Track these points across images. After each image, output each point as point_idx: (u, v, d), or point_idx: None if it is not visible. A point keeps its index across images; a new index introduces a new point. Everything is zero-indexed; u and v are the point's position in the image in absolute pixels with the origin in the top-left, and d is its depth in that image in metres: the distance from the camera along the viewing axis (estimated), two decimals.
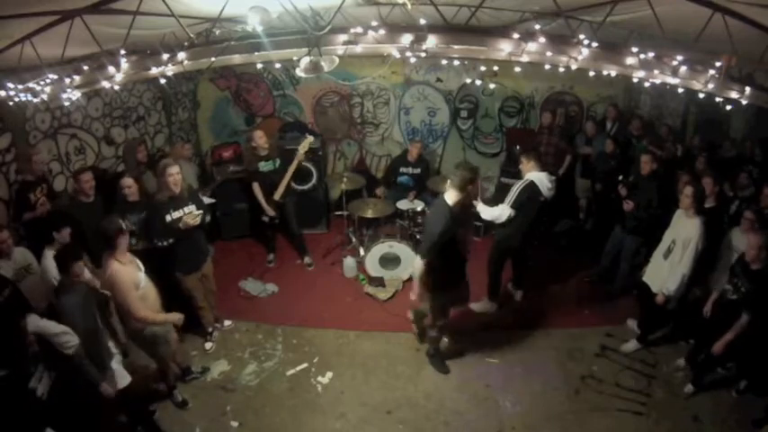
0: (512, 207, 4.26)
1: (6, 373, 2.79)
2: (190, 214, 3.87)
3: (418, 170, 6.03)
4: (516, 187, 4.33)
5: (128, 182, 4.15)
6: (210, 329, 4.46)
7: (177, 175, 3.82)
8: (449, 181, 3.54)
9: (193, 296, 4.13)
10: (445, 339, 4.23)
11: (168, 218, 3.80)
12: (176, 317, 3.41)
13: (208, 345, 4.40)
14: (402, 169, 6.07)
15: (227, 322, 4.72)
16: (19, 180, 4.02)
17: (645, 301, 4.18)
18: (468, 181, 3.43)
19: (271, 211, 5.27)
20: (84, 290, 3.04)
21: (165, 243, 3.89)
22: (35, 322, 2.88)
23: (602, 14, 2.76)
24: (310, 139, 5.23)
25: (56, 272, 3.22)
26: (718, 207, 4.13)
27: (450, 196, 3.47)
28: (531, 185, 4.29)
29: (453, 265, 3.65)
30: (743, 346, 3.43)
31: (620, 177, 4.49)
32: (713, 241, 3.84)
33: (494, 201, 4.86)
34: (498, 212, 4.32)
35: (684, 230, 3.77)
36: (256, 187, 5.24)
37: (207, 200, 5.11)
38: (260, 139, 5.16)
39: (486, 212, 4.40)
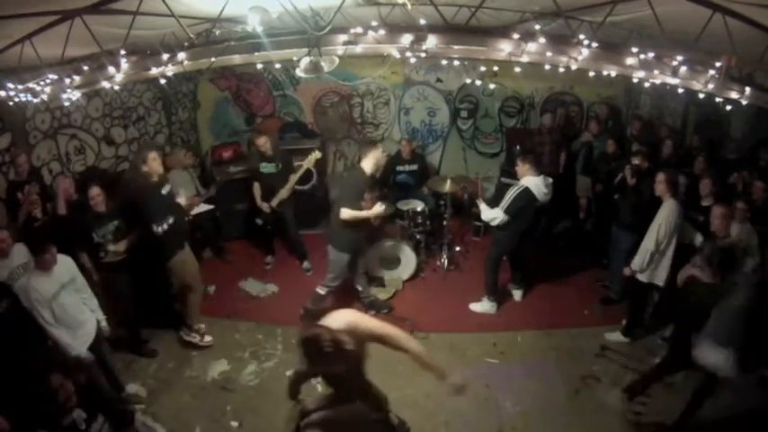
0: (506, 213, 4.28)
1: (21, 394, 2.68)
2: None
3: (415, 166, 6.05)
4: (511, 193, 4.31)
5: (94, 191, 3.83)
6: (197, 328, 4.29)
7: (158, 159, 3.88)
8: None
9: (188, 283, 4.04)
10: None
11: (164, 191, 3.86)
12: None
13: (207, 338, 4.33)
14: (398, 167, 6.07)
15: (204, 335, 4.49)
16: (9, 181, 4.00)
17: (634, 293, 4.28)
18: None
19: (266, 207, 5.20)
20: None
21: (165, 226, 3.78)
22: None
23: (602, 14, 2.77)
24: (318, 154, 5.19)
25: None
26: None
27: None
28: (527, 192, 4.28)
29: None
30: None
31: (627, 166, 4.51)
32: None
33: (494, 201, 4.85)
34: (492, 216, 4.35)
35: (660, 214, 3.88)
36: (256, 187, 5.23)
37: (206, 207, 5.10)
38: (263, 146, 5.13)
39: (485, 213, 4.45)
